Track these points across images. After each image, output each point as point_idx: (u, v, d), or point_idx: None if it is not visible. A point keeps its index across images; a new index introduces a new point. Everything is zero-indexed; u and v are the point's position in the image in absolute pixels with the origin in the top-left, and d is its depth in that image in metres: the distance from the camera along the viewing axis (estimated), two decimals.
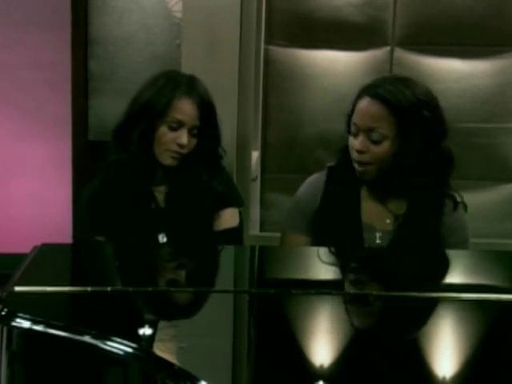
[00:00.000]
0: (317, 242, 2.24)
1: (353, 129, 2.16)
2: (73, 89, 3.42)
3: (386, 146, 2.12)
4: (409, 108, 2.09)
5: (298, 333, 1.54)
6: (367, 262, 2.03)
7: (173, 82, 2.29)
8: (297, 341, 1.49)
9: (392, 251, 2.19)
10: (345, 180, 2.23)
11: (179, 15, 3.12)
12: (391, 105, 2.09)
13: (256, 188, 3.07)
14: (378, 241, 2.22)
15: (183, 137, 2.26)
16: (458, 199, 2.26)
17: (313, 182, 2.32)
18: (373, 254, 2.18)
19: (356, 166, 2.17)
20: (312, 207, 2.27)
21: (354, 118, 2.16)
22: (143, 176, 2.31)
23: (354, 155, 2.16)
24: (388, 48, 3.02)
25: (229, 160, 2.68)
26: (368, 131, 2.12)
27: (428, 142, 2.13)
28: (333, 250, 2.10)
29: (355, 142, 2.15)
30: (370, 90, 2.15)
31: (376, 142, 2.12)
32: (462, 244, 2.27)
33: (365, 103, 2.13)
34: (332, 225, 2.23)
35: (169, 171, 2.32)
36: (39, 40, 3.40)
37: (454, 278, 1.94)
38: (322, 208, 2.26)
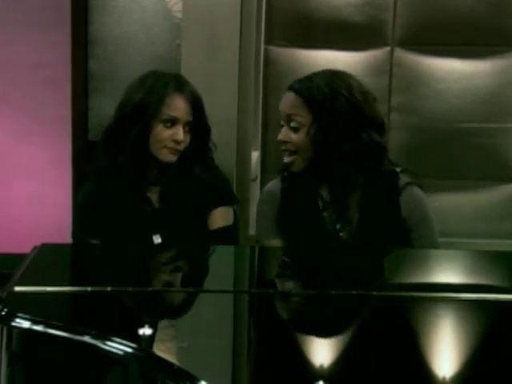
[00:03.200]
0: (286, 243, 2.30)
1: (281, 123, 2.31)
2: (73, 89, 3.42)
3: (303, 133, 2.24)
4: (321, 98, 2.22)
5: (297, 333, 1.54)
6: (357, 260, 2.03)
7: (161, 81, 2.30)
8: (297, 341, 1.49)
9: (366, 244, 2.22)
10: (297, 182, 2.31)
11: (179, 15, 3.12)
12: (304, 95, 2.24)
13: (256, 188, 3.07)
14: (340, 234, 2.26)
15: (179, 133, 2.28)
16: (404, 180, 2.28)
17: (270, 188, 2.38)
18: (355, 249, 2.21)
19: (284, 159, 2.29)
20: (274, 211, 2.33)
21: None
22: (138, 178, 2.32)
23: (281, 147, 2.29)
24: (388, 48, 3.02)
25: (229, 160, 2.68)
26: (288, 120, 2.26)
27: (345, 131, 2.21)
28: (323, 248, 2.13)
29: (279, 134, 2.30)
30: (290, 85, 2.30)
31: (295, 130, 2.25)
32: (424, 222, 2.28)
33: (284, 96, 2.31)
34: (295, 227, 2.29)
35: (163, 170, 2.33)
36: (39, 40, 3.40)
37: (453, 278, 1.94)
38: (282, 211, 2.32)
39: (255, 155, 3.01)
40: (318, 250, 2.16)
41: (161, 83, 2.30)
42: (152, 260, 2.05)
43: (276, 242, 2.31)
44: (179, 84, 2.32)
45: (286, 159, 2.29)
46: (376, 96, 2.30)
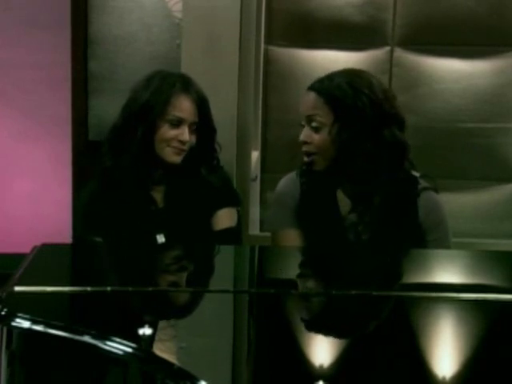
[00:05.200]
0: (302, 236, 2.29)
1: (301, 123, 2.28)
2: (73, 89, 3.42)
3: (325, 133, 2.21)
4: (342, 97, 2.20)
5: (297, 333, 1.54)
6: (362, 259, 2.03)
7: (168, 81, 2.31)
8: (297, 341, 1.49)
9: (379, 245, 2.22)
10: (315, 178, 2.30)
11: (179, 15, 3.12)
12: (325, 94, 2.22)
13: (256, 188, 3.07)
14: (357, 234, 2.25)
15: (185, 133, 2.28)
16: (422, 185, 2.29)
17: (289, 179, 2.38)
18: (364, 249, 2.20)
19: (304, 158, 2.27)
20: (294, 201, 2.32)
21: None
22: (142, 177, 2.32)
23: (302, 147, 2.27)
24: (388, 48, 3.02)
25: (229, 160, 2.69)
26: (309, 121, 2.24)
27: (367, 130, 2.19)
28: (328, 248, 2.12)
29: (301, 135, 2.27)
30: (310, 85, 2.29)
31: (316, 130, 2.23)
32: (439, 226, 2.29)
33: (304, 95, 2.29)
34: (313, 222, 2.29)
35: (169, 169, 2.33)
36: (39, 40, 3.40)
37: (454, 277, 1.94)
38: (301, 205, 2.31)
39: (255, 155, 3.01)
40: (327, 249, 2.16)
41: (167, 83, 2.30)
42: (151, 260, 2.05)
43: (291, 233, 2.31)
44: (185, 84, 2.32)
45: (306, 159, 2.27)
46: (395, 94, 2.29)
